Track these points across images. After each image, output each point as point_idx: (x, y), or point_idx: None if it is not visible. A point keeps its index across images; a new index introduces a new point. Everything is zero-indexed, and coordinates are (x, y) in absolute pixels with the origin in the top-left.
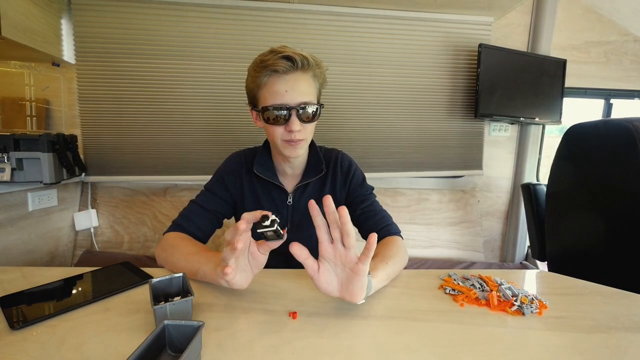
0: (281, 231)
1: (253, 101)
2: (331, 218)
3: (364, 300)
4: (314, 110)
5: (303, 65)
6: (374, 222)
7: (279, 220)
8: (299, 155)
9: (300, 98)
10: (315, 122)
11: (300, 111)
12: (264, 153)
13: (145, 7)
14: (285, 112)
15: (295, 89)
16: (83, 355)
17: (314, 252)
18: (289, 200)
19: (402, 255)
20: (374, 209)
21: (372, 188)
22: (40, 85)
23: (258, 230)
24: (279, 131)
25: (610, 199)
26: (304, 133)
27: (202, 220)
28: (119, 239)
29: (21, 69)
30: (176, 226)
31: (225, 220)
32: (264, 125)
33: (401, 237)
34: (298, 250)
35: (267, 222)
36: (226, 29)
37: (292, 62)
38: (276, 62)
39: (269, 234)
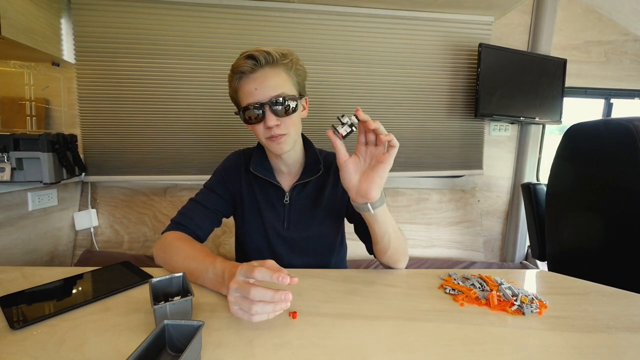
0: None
1: (237, 106)
2: (369, 127)
3: (372, 211)
4: (290, 102)
5: (267, 62)
6: None
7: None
8: (285, 151)
9: (270, 93)
10: (298, 115)
11: (274, 106)
12: (260, 152)
13: (145, 7)
14: (259, 110)
15: (264, 85)
16: (83, 355)
17: (311, 249)
18: (285, 198)
19: (404, 239)
20: None
21: None
22: (40, 85)
23: (342, 129)
24: (260, 129)
25: (610, 199)
26: (284, 127)
27: (201, 219)
28: (119, 238)
29: (21, 69)
30: (175, 224)
31: (226, 220)
32: (249, 127)
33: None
34: (332, 137)
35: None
36: (226, 28)
37: (256, 60)
38: (241, 64)
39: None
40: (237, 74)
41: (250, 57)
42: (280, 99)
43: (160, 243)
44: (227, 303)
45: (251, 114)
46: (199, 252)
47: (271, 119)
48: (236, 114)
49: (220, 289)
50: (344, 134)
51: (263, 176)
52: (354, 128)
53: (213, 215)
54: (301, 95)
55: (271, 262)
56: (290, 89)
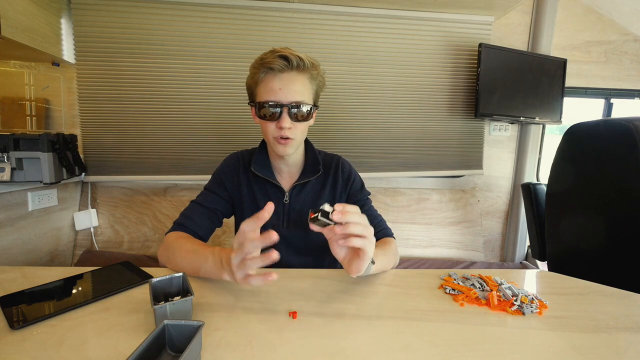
0: (328, 215)
1: (251, 97)
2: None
3: (354, 277)
4: (307, 110)
5: (299, 66)
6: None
7: (321, 211)
8: (289, 154)
9: (293, 97)
10: (308, 123)
11: (292, 109)
12: (261, 152)
13: (146, 7)
14: (277, 109)
15: (288, 88)
16: (83, 355)
17: (309, 249)
18: (285, 198)
19: (395, 255)
20: (372, 214)
21: (369, 193)
22: (40, 85)
23: (317, 221)
24: (271, 127)
25: (610, 199)
26: (294, 132)
27: (202, 219)
28: (119, 238)
29: (21, 69)
30: (177, 225)
31: (226, 220)
32: (259, 121)
33: (394, 238)
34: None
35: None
36: (226, 28)
37: (288, 62)
38: (273, 61)
39: (317, 217)
40: (264, 68)
41: (284, 57)
42: (300, 105)
43: (163, 244)
44: (227, 303)
45: (267, 112)
46: (199, 245)
47: (286, 121)
48: (249, 104)
49: (220, 275)
50: (312, 216)
51: (263, 176)
52: (319, 215)
53: (213, 215)
54: (316, 106)
55: (243, 230)
56: (309, 98)
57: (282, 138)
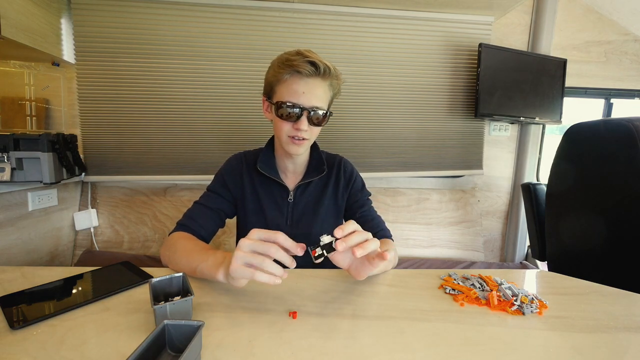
0: (330, 246)
1: (269, 93)
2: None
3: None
4: (324, 114)
5: (324, 73)
6: (370, 226)
7: (320, 245)
8: (300, 153)
9: (314, 102)
10: (322, 127)
11: (312, 113)
12: (267, 152)
13: (146, 7)
14: (298, 111)
15: (312, 93)
16: (83, 355)
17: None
18: (289, 197)
19: (394, 256)
20: (371, 214)
21: (370, 194)
22: (40, 85)
23: (320, 255)
24: (286, 127)
25: (610, 199)
26: (309, 134)
27: (205, 219)
28: (119, 238)
29: (21, 69)
30: (180, 226)
31: (227, 221)
32: (273, 118)
33: (392, 240)
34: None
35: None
36: (226, 28)
37: (316, 68)
38: (301, 65)
39: (323, 254)
40: (291, 70)
41: (313, 63)
42: (319, 110)
43: (165, 244)
44: (227, 303)
45: (285, 112)
46: (203, 246)
47: (304, 124)
48: (267, 100)
49: (215, 273)
50: (316, 254)
51: (269, 175)
52: (324, 252)
53: (216, 215)
54: (330, 112)
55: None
56: (326, 103)
57: (297, 139)
